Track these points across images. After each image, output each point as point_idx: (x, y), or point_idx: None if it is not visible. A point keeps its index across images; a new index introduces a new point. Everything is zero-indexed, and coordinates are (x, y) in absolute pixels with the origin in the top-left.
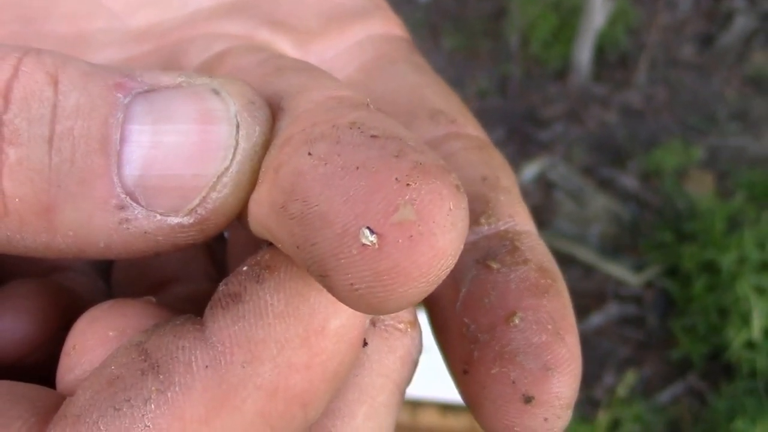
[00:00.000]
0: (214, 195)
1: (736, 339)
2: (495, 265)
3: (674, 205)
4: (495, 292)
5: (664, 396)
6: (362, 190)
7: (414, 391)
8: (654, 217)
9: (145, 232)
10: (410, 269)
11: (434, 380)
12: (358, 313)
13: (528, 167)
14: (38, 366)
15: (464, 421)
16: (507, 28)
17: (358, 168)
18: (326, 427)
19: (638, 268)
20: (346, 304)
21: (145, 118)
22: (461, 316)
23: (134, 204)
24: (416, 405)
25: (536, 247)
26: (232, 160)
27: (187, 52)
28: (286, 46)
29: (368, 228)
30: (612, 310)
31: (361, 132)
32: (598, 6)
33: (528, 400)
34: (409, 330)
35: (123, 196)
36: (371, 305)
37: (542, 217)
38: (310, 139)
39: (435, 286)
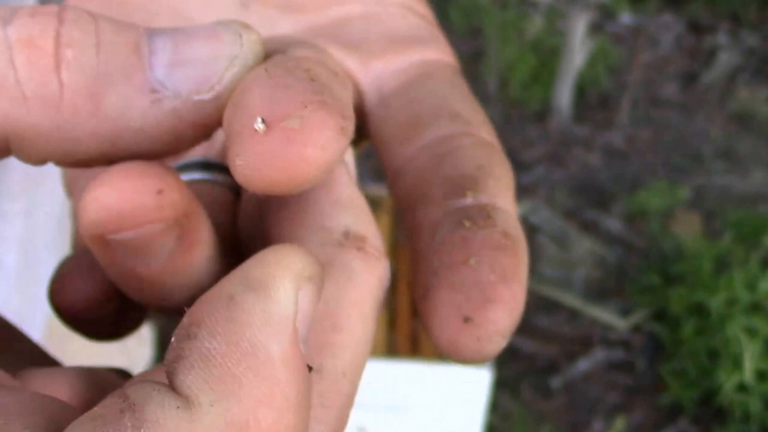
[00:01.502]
0: (228, 74)
1: (727, 382)
2: (467, 224)
3: (660, 247)
4: (460, 241)
5: None
6: (275, 97)
7: None
8: (640, 260)
9: (173, 108)
10: (279, 162)
11: None
12: (293, 340)
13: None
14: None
15: None
16: (485, 71)
17: (283, 87)
18: (328, 337)
19: (625, 312)
20: (237, 179)
21: (167, 38)
22: (429, 256)
23: (165, 89)
24: None
25: (508, 220)
26: (241, 47)
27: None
28: (351, 63)
29: (262, 119)
30: (599, 355)
31: (308, 74)
32: (577, 46)
33: (467, 320)
34: (382, 258)
35: (155, 83)
36: (249, 182)
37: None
38: (274, 63)
39: (297, 187)
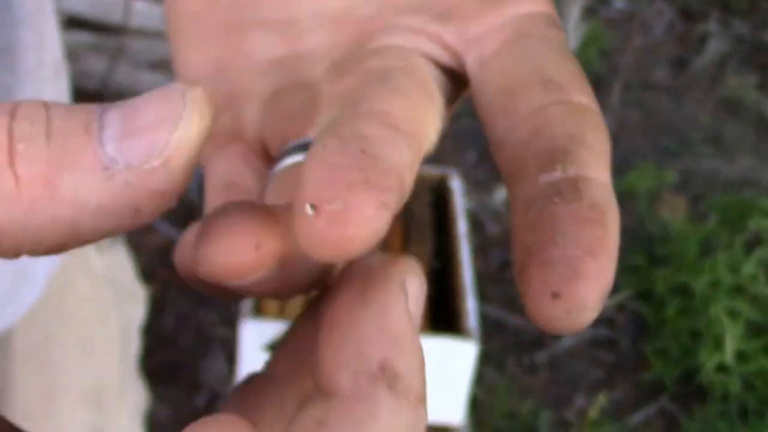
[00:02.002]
0: (174, 138)
1: (708, 362)
2: (556, 200)
3: (647, 229)
4: (549, 218)
5: (636, 418)
6: (323, 181)
7: None
8: (626, 240)
9: (126, 181)
10: (326, 241)
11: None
12: None
13: (499, 190)
14: None
15: None
16: None
17: (332, 168)
18: None
19: (611, 291)
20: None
21: (116, 112)
22: (522, 234)
23: (116, 163)
24: None
25: (597, 190)
26: (184, 108)
27: (372, 40)
28: (450, 35)
29: (312, 204)
30: (584, 332)
31: (362, 143)
32: (571, 29)
33: (555, 296)
34: (417, 404)
35: (107, 160)
36: (309, 253)
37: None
38: (331, 133)
39: (347, 257)
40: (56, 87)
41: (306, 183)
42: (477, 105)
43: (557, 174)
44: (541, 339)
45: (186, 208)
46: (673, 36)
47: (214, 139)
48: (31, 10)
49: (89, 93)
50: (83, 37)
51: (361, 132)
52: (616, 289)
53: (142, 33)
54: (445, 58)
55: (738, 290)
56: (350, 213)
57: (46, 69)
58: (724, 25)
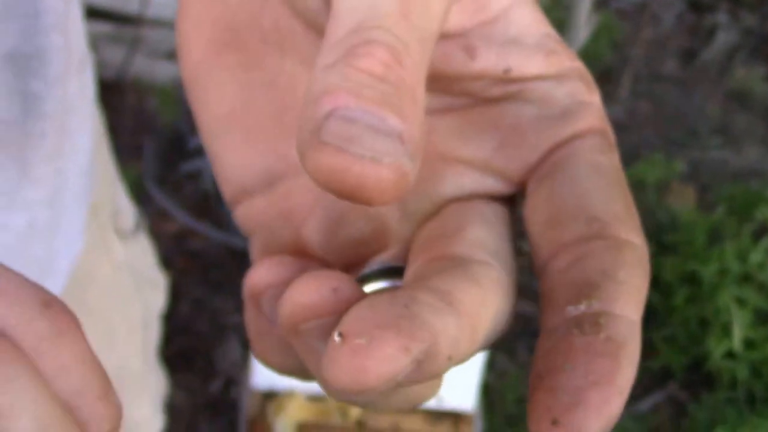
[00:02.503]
0: None
1: (716, 349)
2: (574, 331)
3: (656, 218)
4: (563, 348)
5: (645, 404)
6: (359, 317)
7: None
8: None
9: None
10: (345, 369)
11: None
12: None
13: None
14: None
15: (447, 427)
16: None
17: (371, 310)
18: None
19: None
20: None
21: None
22: (537, 361)
23: None
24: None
25: (618, 326)
26: None
27: (437, 181)
28: (514, 166)
29: (340, 333)
30: None
31: (405, 305)
32: (582, 21)
33: (555, 422)
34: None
35: None
36: (328, 383)
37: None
38: (382, 296)
39: (364, 393)
40: (80, 82)
41: (345, 317)
42: (526, 228)
43: (582, 308)
44: None
45: (201, 196)
46: (682, 28)
47: (274, 253)
48: (61, 13)
49: (107, 83)
50: (101, 28)
51: (414, 295)
52: None
53: (159, 23)
54: (506, 189)
55: (745, 278)
56: (372, 346)
57: (72, 68)
58: (733, 17)
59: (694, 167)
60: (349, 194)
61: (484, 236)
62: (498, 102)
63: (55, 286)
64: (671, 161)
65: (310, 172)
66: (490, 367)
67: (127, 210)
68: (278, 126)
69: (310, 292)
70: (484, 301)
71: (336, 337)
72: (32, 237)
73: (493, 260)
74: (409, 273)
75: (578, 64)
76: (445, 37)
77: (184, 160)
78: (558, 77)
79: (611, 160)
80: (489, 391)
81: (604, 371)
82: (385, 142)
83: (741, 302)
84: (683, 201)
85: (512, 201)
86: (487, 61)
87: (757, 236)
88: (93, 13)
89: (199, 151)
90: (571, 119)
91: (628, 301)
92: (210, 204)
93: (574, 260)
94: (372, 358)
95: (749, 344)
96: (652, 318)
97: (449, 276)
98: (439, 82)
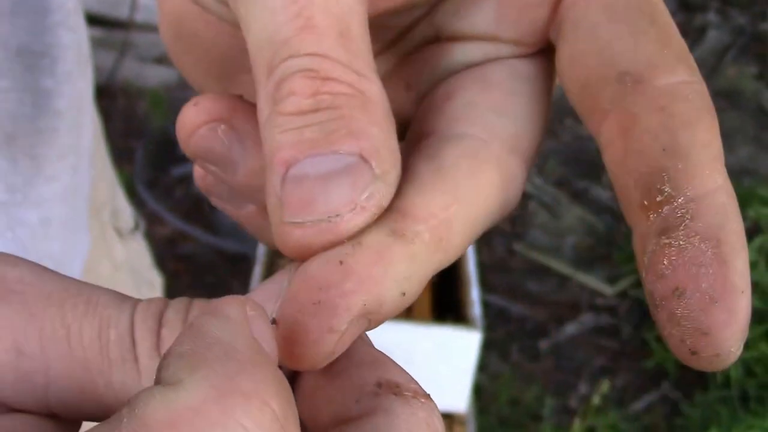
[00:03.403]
0: None
1: None
2: (665, 241)
3: None
4: (666, 267)
5: (639, 404)
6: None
7: None
8: (628, 229)
9: None
10: (288, 355)
11: None
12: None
13: None
14: None
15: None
16: None
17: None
18: None
19: (612, 278)
20: None
21: None
22: (646, 284)
23: None
24: None
25: (708, 211)
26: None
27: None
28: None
29: (273, 320)
30: (587, 320)
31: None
32: None
33: (693, 353)
34: (426, 400)
35: None
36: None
37: (518, 228)
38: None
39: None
40: (85, 81)
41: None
42: (565, 90)
43: (664, 208)
44: (544, 327)
45: (193, 200)
46: None
47: None
48: (69, 10)
49: (98, 88)
50: (91, 32)
51: (358, 240)
52: (617, 277)
53: (148, 28)
54: (528, 51)
55: None
56: (300, 335)
57: (80, 65)
58: (724, 17)
59: None
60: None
61: (475, 98)
62: None
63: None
64: None
65: (285, 253)
66: (483, 368)
67: (126, 210)
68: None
69: (182, 112)
70: (441, 207)
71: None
72: (47, 234)
73: (476, 127)
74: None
75: None
76: None
77: (174, 164)
78: None
79: None
80: (482, 393)
81: (717, 283)
82: (341, 186)
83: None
84: None
85: (542, 56)
86: None
87: (749, 235)
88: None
89: None
90: None
91: (704, 168)
92: (201, 208)
93: (627, 131)
94: (302, 345)
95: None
96: (645, 318)
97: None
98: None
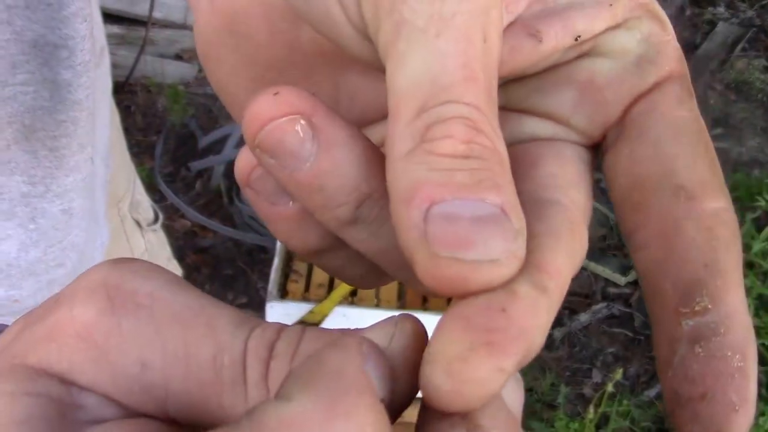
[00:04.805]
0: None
1: None
2: (698, 350)
3: None
4: (695, 372)
5: (651, 392)
6: (452, 337)
7: None
8: None
9: None
10: (446, 391)
11: None
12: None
13: None
14: None
15: None
16: None
17: (465, 324)
18: None
19: (625, 268)
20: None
21: None
22: (671, 383)
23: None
24: None
25: (737, 329)
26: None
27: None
28: (593, 120)
29: (431, 357)
30: (600, 309)
31: (500, 307)
32: None
33: None
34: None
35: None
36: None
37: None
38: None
39: (464, 406)
40: (102, 71)
41: (436, 336)
42: (608, 186)
43: (698, 318)
44: (559, 316)
45: (212, 194)
46: (683, 21)
47: None
48: (84, 1)
49: (118, 84)
50: (111, 30)
51: (512, 289)
52: (630, 267)
53: (168, 24)
54: (585, 142)
55: (748, 266)
56: (469, 369)
57: (95, 56)
58: (733, 10)
59: None
60: (467, 294)
61: (557, 171)
62: (571, 61)
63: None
64: None
65: (428, 283)
66: None
67: (145, 202)
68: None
69: (255, 100)
70: (564, 265)
71: (434, 369)
72: (69, 224)
73: (565, 197)
74: None
75: (645, 1)
76: (505, 30)
77: (194, 158)
78: (627, 24)
79: (691, 111)
80: None
81: (740, 394)
82: (493, 233)
83: (745, 290)
84: None
85: (593, 148)
86: (555, 37)
87: (759, 225)
88: (103, 16)
89: (210, 149)
90: (648, 68)
91: (735, 289)
92: (220, 201)
93: (671, 249)
94: (469, 380)
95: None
96: None
97: (538, 242)
98: (513, 73)
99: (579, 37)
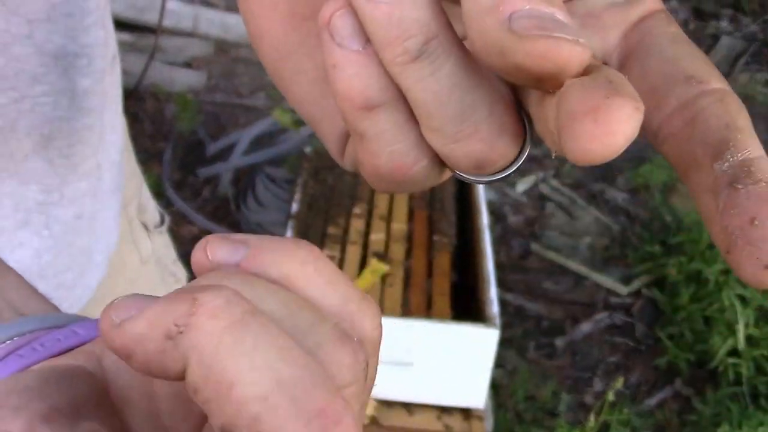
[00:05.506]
0: None
1: (721, 347)
2: (739, 186)
3: (662, 219)
4: (740, 204)
5: (652, 401)
6: (586, 96)
7: (380, 392)
8: (642, 230)
9: None
10: (594, 138)
11: (400, 383)
12: None
13: (521, 181)
14: None
15: (458, 424)
16: None
17: (591, 89)
18: None
19: (627, 278)
20: (568, 155)
21: None
22: (722, 219)
23: None
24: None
25: (764, 166)
26: None
27: None
28: (595, 45)
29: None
30: (602, 318)
31: (607, 78)
32: None
33: (766, 266)
34: None
35: None
36: (576, 156)
37: (535, 229)
38: (582, 80)
39: (611, 155)
40: (114, 77)
41: (573, 100)
42: None
43: (728, 163)
44: (560, 325)
45: (219, 201)
46: (686, 34)
47: None
48: (102, 8)
49: (127, 91)
50: (120, 37)
51: (604, 75)
52: (632, 277)
53: (177, 32)
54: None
55: None
56: (612, 112)
57: (108, 62)
58: (736, 24)
59: None
60: (555, 69)
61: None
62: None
63: (95, 276)
64: None
65: (521, 60)
66: (501, 365)
67: (151, 205)
68: None
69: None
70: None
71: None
72: (79, 228)
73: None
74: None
75: None
76: None
77: (202, 165)
78: None
79: (678, 29)
80: (499, 389)
81: None
82: (565, 29)
83: (744, 301)
84: (688, 202)
85: None
86: None
87: None
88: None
89: (217, 157)
90: (636, 3)
91: (754, 142)
92: (228, 208)
93: (692, 119)
94: (614, 121)
95: (753, 342)
96: (658, 317)
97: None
98: None
99: None
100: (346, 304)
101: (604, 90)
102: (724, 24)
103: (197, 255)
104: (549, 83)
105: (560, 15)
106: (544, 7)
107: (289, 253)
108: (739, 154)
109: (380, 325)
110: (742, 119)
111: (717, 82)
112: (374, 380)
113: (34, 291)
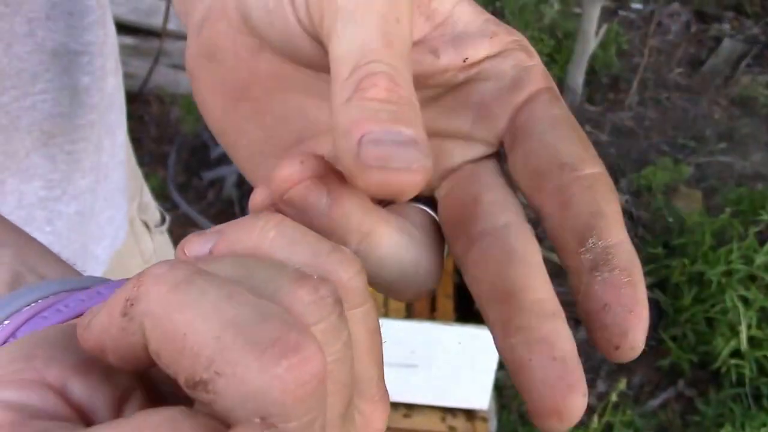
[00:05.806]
0: None
1: (723, 348)
2: (596, 274)
3: (664, 221)
4: (596, 291)
5: (655, 402)
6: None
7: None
8: (645, 232)
9: None
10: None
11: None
12: None
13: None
14: None
15: (461, 425)
16: None
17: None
18: None
19: None
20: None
21: None
22: (582, 303)
23: None
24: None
25: (621, 254)
26: None
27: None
28: (486, 136)
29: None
30: None
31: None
32: (593, 31)
33: (616, 348)
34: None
35: None
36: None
37: (538, 232)
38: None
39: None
40: (116, 80)
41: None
42: (515, 181)
43: (591, 252)
44: None
45: (224, 204)
46: (688, 37)
47: None
48: (104, 7)
49: (132, 94)
50: (125, 41)
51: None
52: None
53: (181, 36)
54: (490, 151)
55: (751, 279)
56: (572, 412)
57: (110, 62)
58: (738, 27)
59: (700, 171)
60: (392, 196)
61: (495, 197)
62: (464, 85)
63: (97, 272)
64: (678, 166)
65: (362, 188)
66: (504, 367)
67: (152, 205)
68: (301, 146)
69: (284, 166)
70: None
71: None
72: (80, 224)
73: (512, 212)
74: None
75: (517, 37)
76: (413, 45)
77: (206, 168)
78: (502, 53)
79: (561, 109)
80: (503, 390)
81: (630, 299)
82: (407, 152)
83: (747, 302)
84: (690, 204)
85: (497, 155)
86: (449, 56)
87: (762, 238)
88: (117, 27)
89: (222, 160)
90: (521, 85)
91: (617, 228)
92: (232, 210)
93: (563, 204)
94: (576, 411)
95: (755, 343)
96: (661, 318)
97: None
98: (416, 82)
99: (467, 59)
100: (315, 258)
101: (563, 388)
102: (726, 26)
103: (178, 255)
104: (398, 200)
105: (408, 130)
106: (390, 125)
107: (248, 227)
108: (601, 242)
109: (359, 272)
110: (609, 205)
111: (590, 167)
112: (374, 332)
113: (57, 258)
